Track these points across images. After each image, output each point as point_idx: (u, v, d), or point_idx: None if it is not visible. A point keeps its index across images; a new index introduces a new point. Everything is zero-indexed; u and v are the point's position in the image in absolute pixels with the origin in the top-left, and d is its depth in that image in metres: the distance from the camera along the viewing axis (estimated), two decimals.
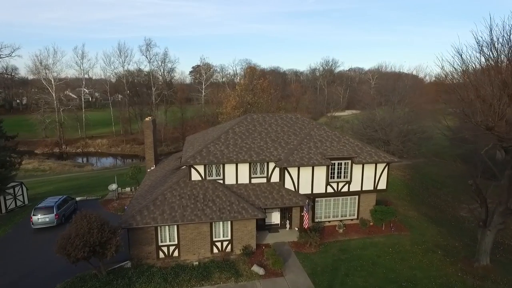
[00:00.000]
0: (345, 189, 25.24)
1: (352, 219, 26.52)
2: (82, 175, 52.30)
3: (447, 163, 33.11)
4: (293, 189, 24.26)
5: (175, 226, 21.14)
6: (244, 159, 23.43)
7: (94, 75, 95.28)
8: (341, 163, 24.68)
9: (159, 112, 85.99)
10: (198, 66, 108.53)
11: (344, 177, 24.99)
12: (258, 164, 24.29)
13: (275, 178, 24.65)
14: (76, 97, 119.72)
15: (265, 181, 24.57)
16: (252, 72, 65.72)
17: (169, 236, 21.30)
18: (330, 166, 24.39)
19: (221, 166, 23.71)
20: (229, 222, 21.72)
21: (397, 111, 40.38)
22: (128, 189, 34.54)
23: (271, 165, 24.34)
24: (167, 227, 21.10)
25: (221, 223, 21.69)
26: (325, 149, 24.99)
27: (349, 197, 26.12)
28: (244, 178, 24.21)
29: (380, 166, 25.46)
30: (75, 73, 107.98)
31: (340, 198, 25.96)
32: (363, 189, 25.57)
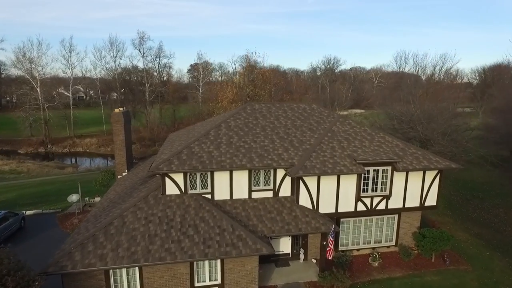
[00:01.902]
0: (382, 206, 17.56)
1: (388, 246, 18.85)
2: (59, 179, 44.52)
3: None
4: (310, 206, 16.58)
5: (136, 268, 13.47)
6: (241, 165, 15.77)
7: (87, 73, 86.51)
8: (377, 171, 17.01)
9: (154, 110, 78.31)
10: (196, 64, 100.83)
11: (381, 190, 17.31)
12: (262, 172, 16.63)
13: (285, 191, 16.99)
14: (69, 95, 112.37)
15: (272, 196, 16.91)
16: (251, 69, 58.25)
17: (127, 282, 13.61)
18: (363, 175, 16.77)
19: (209, 174, 16.04)
20: (218, 261, 14.06)
21: (418, 108, 32.83)
22: (98, 198, 26.82)
23: (280, 172, 16.69)
24: (123, 270, 13.41)
25: (206, 262, 14.03)
26: (354, 151, 17.33)
27: (386, 217, 18.47)
28: (241, 192, 16.55)
29: (430, 175, 17.80)
30: (61, 66, 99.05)
31: (374, 218, 18.32)
32: (406, 205, 17.90)
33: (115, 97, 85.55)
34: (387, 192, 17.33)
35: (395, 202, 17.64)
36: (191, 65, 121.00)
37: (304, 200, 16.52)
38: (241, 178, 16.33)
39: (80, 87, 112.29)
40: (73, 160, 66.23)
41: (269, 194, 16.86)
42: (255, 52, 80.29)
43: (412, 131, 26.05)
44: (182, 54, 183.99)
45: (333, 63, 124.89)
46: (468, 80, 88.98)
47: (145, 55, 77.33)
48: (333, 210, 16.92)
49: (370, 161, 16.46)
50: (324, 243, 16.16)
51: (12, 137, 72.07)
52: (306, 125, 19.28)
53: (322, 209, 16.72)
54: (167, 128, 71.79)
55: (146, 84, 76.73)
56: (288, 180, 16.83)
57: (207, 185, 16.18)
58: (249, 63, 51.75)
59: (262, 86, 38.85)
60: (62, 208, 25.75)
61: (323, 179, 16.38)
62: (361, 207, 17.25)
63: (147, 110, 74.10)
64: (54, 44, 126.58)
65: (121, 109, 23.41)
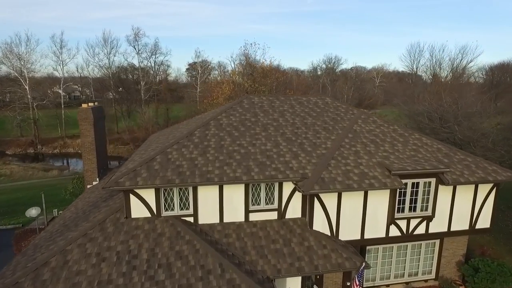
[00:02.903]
0: (421, 229, 13.05)
1: (426, 280, 14.29)
2: (41, 183, 40.05)
3: None
4: (327, 232, 12.08)
5: None
6: (235, 177, 11.26)
7: (83, 71, 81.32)
8: (417, 184, 12.49)
9: (150, 109, 73.84)
10: (194, 63, 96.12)
11: (421, 209, 12.81)
12: (263, 186, 12.11)
13: (294, 211, 12.48)
14: (65, 94, 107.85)
15: (276, 218, 12.39)
16: (251, 65, 53.55)
17: None
18: (398, 190, 12.27)
19: (191, 190, 11.53)
20: None
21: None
22: None
23: (288, 186, 12.18)
24: None
25: None
26: (385, 157, 12.84)
27: (424, 243, 13.94)
28: (235, 213, 12.03)
29: (483, 189, 13.28)
30: (52, 63, 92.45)
31: (409, 244, 13.79)
32: (452, 228, 13.39)
33: (111, 96, 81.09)
34: (429, 212, 12.81)
35: (438, 225, 13.12)
36: (189, 64, 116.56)
37: (320, 224, 12.01)
38: (235, 194, 11.82)
39: (77, 86, 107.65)
40: (65, 161, 61.88)
41: (273, 215, 12.33)
42: (255, 43, 70.62)
43: (444, 131, 21.35)
44: (182, 54, 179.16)
45: (334, 62, 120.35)
46: (475, 79, 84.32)
47: (140, 52, 72.88)
48: (358, 237, 12.43)
49: (410, 172, 11.92)
50: (348, 283, 11.66)
51: (0, 137, 67.65)
52: (320, 124, 14.74)
53: (344, 235, 12.23)
54: (161, 128, 67.29)
55: (142, 82, 72.38)
56: (298, 196, 12.32)
57: (188, 205, 11.66)
58: (248, 60, 46.84)
59: (262, 81, 34.30)
60: (23, 223, 21.21)
61: (346, 196, 11.89)
62: (394, 232, 12.75)
63: (142, 109, 69.57)
64: (44, 40, 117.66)
65: (90, 104, 18.91)
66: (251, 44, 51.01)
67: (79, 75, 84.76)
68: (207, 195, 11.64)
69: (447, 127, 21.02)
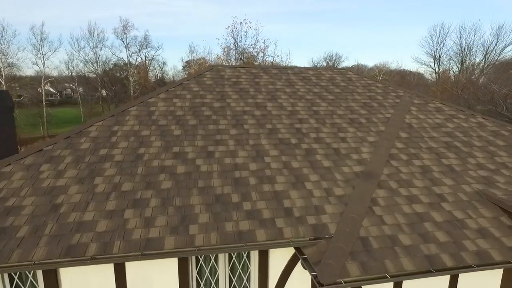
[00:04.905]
0: None
1: None
2: None
3: None
4: None
5: None
6: (146, 240, 4.28)
7: (73, 69, 74.02)
8: None
9: None
10: (190, 60, 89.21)
11: None
12: (222, 258, 5.12)
13: None
14: (56, 92, 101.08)
15: None
16: (241, 53, 46.27)
17: None
18: None
19: (40, 274, 4.55)
20: None
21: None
22: None
23: (280, 253, 5.20)
24: None
25: None
26: (487, 179, 5.83)
27: None
28: None
29: None
30: (31, 57, 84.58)
31: None
32: None
33: (102, 93, 74.11)
34: None
35: None
36: (186, 62, 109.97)
37: None
38: (155, 276, 4.85)
39: (71, 84, 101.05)
40: None
41: None
42: (245, 21, 49.46)
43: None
44: (179, 54, 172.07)
45: (335, 59, 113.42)
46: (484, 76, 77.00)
47: (129, 45, 66.06)
48: None
49: None
50: None
51: None
52: (343, 113, 7.73)
53: None
54: None
55: (130, 78, 65.62)
56: (301, 273, 5.34)
57: None
58: (237, 46, 38.83)
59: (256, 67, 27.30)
60: None
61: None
62: None
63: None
64: (22, 31, 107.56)
65: None
66: (240, 22, 43.61)
67: (70, 73, 77.84)
68: (87, 282, 4.68)
69: None
